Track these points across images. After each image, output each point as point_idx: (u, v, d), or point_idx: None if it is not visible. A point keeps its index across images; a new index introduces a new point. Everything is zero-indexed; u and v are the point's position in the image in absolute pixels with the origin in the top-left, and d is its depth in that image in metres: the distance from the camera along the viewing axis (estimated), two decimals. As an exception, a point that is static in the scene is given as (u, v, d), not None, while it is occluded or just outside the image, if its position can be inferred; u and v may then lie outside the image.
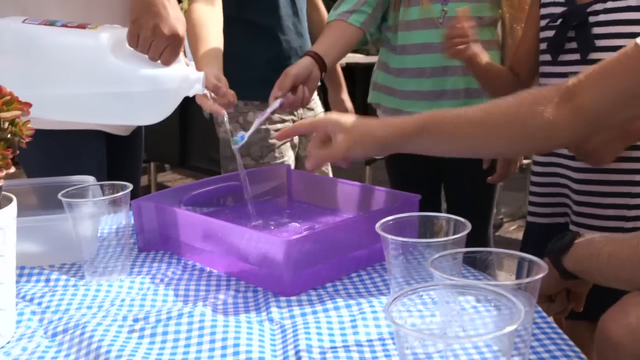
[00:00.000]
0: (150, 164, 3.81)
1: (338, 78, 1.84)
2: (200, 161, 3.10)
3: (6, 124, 0.69)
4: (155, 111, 1.02)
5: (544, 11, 1.26)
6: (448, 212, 1.67)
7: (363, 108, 3.12)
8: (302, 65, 1.38)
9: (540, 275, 0.58)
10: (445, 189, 1.68)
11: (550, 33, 1.22)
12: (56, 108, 1.03)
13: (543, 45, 1.25)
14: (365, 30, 1.52)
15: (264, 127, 1.61)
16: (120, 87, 0.98)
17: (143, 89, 0.98)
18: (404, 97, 1.57)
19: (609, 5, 1.13)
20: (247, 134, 1.21)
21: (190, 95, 1.04)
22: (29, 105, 0.73)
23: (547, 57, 1.24)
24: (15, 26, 1.01)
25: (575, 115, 0.83)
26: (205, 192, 1.19)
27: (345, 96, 1.84)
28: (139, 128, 1.49)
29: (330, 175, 1.81)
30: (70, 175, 1.18)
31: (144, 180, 1.68)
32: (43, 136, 1.13)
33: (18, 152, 0.71)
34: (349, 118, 0.91)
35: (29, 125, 0.72)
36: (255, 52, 1.63)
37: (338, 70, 1.82)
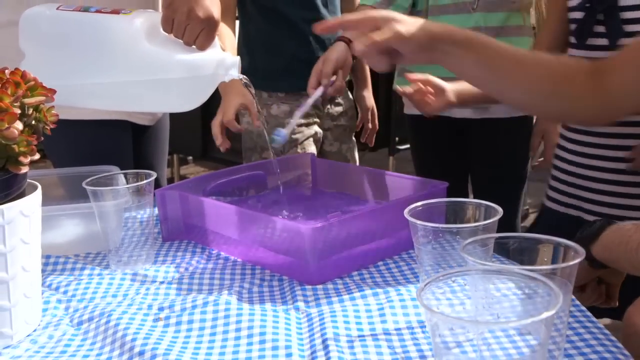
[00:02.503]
0: (174, 157, 3.83)
1: (364, 73, 1.79)
2: (223, 153, 3.10)
3: (30, 110, 0.68)
4: (191, 98, 1.01)
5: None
6: (475, 198, 1.66)
7: (387, 95, 3.10)
8: (338, 50, 1.37)
9: (577, 261, 0.55)
10: (473, 179, 1.65)
11: (579, 14, 1.18)
12: (90, 96, 1.02)
13: (572, 26, 1.21)
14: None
15: (287, 120, 1.59)
16: (155, 74, 0.96)
17: (179, 76, 0.97)
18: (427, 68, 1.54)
19: None
20: (287, 132, 1.19)
21: (227, 80, 1.02)
22: (53, 91, 0.73)
23: (573, 40, 1.20)
24: (50, 13, 1.00)
25: (600, 95, 0.81)
26: (228, 182, 1.18)
27: (368, 93, 1.80)
28: (164, 118, 1.49)
29: (357, 162, 1.79)
30: (96, 164, 1.19)
31: (167, 172, 1.68)
32: (70, 126, 1.14)
33: (42, 138, 0.71)
34: (403, 15, 0.87)
35: (53, 112, 0.71)
36: (282, 43, 1.60)
37: (365, 66, 1.77)
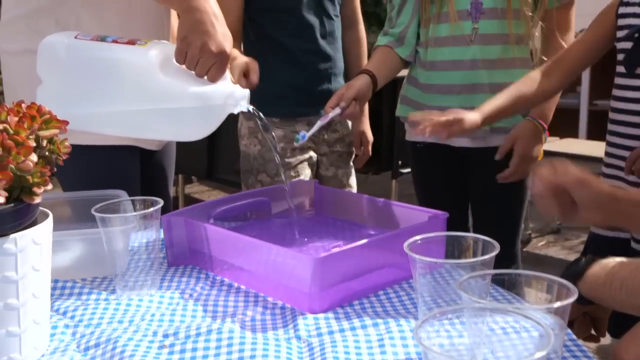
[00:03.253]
0: (178, 176, 3.86)
1: (364, 108, 1.81)
2: (227, 174, 3.13)
3: (45, 142, 0.71)
4: (200, 127, 1.04)
5: (622, 22, 1.25)
6: (474, 226, 1.68)
7: (390, 120, 3.13)
8: (362, 81, 1.46)
9: (571, 300, 0.57)
10: (472, 203, 1.67)
11: (627, 45, 1.21)
12: (104, 123, 1.05)
13: (620, 56, 1.24)
14: (410, 62, 1.59)
15: (281, 145, 1.63)
16: (167, 104, 0.99)
17: (190, 106, 1.00)
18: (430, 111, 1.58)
19: None
20: (307, 134, 1.33)
21: (235, 112, 1.05)
22: (66, 123, 0.75)
23: (622, 69, 1.23)
24: (68, 41, 1.04)
25: None
26: (233, 208, 1.20)
27: (367, 127, 1.83)
28: (170, 143, 1.52)
29: (355, 187, 1.81)
30: (105, 188, 1.21)
31: (172, 191, 1.71)
32: (79, 151, 1.16)
33: (55, 169, 0.73)
34: (597, 186, 0.84)
35: (66, 144, 0.74)
36: (277, 70, 1.65)
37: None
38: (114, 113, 1.02)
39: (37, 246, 0.72)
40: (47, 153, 0.71)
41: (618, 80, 1.26)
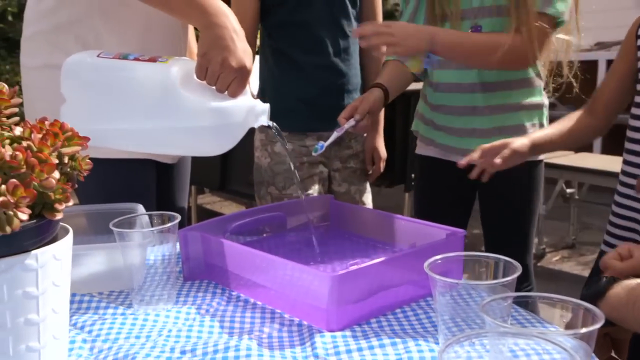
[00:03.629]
0: (191, 187, 3.88)
1: (378, 123, 1.82)
2: (240, 185, 3.14)
3: (67, 159, 0.71)
4: (221, 143, 1.04)
5: None
6: (485, 244, 1.67)
7: (404, 134, 3.13)
8: (376, 95, 1.49)
9: (597, 326, 0.56)
10: (482, 220, 1.66)
11: None
12: (125, 139, 1.05)
13: (638, 87, 1.24)
14: (418, 76, 1.61)
15: (289, 160, 1.64)
16: (189, 121, 1.00)
17: (211, 123, 1.00)
18: (436, 129, 1.60)
19: None
20: (325, 144, 1.39)
21: (256, 126, 1.06)
22: (88, 139, 0.76)
23: None
24: (91, 60, 1.05)
25: None
26: (249, 222, 1.20)
27: (380, 144, 1.83)
28: (186, 156, 1.52)
29: (370, 204, 1.80)
30: (122, 201, 1.22)
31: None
32: (97, 164, 1.17)
33: (77, 185, 0.74)
34: None
35: (87, 160, 0.74)
36: (289, 85, 1.65)
37: (380, 115, 1.81)
38: (136, 130, 1.03)
39: (58, 262, 0.72)
40: (68, 169, 0.72)
41: (636, 111, 1.25)
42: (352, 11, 1.68)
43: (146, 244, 0.96)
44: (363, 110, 1.45)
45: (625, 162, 1.31)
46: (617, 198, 1.32)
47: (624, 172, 1.31)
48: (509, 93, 1.50)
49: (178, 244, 1.05)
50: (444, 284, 0.71)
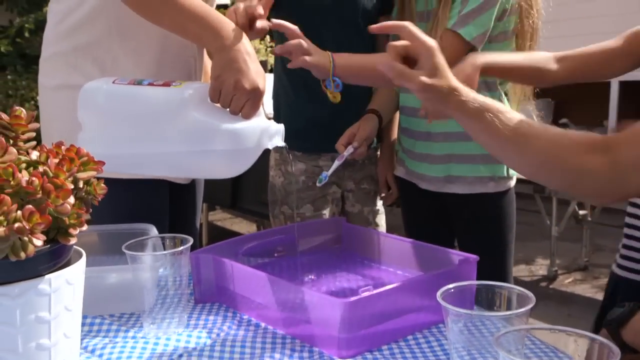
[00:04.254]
0: (203, 204, 3.89)
1: (392, 147, 1.79)
2: (251, 204, 3.15)
3: (82, 184, 0.72)
4: (235, 166, 1.05)
5: None
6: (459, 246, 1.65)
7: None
8: (373, 122, 1.51)
9: (614, 362, 0.56)
10: (458, 241, 1.66)
11: None
12: (142, 164, 1.06)
13: None
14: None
15: (302, 178, 1.65)
16: (203, 145, 1.00)
17: (225, 146, 1.01)
18: (403, 152, 1.63)
19: None
20: (328, 173, 1.41)
21: (270, 147, 1.06)
22: (103, 163, 0.76)
23: None
24: (107, 87, 1.06)
25: (609, 169, 0.81)
26: (260, 244, 1.20)
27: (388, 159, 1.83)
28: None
29: (383, 226, 1.79)
30: (135, 221, 1.22)
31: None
32: (110, 184, 1.18)
33: (91, 210, 0.74)
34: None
35: (102, 185, 0.75)
36: (301, 106, 1.66)
37: (393, 139, 1.81)
38: (152, 154, 1.03)
39: (71, 286, 0.72)
40: (83, 194, 0.72)
41: None
42: (367, 34, 1.68)
43: (158, 267, 0.96)
44: (360, 138, 1.47)
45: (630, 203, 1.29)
46: (627, 219, 1.30)
47: (629, 216, 1.29)
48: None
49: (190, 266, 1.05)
50: (457, 313, 0.71)
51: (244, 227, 4.41)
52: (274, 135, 1.06)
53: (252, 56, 1.06)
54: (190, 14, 1.08)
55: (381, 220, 1.79)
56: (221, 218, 4.66)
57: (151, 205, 1.33)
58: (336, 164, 1.42)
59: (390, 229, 1.78)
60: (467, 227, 1.58)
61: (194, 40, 1.19)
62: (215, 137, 1.00)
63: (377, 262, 1.21)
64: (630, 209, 1.30)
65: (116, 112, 1.04)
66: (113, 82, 1.05)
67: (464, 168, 1.50)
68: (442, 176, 1.53)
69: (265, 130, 1.05)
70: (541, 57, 1.31)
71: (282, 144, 1.07)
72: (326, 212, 1.69)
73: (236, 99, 1.03)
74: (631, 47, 1.27)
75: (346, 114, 1.67)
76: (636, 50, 1.26)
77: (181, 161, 1.03)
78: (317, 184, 1.43)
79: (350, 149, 1.45)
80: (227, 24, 1.08)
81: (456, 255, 1.05)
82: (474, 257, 1.02)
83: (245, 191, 3.17)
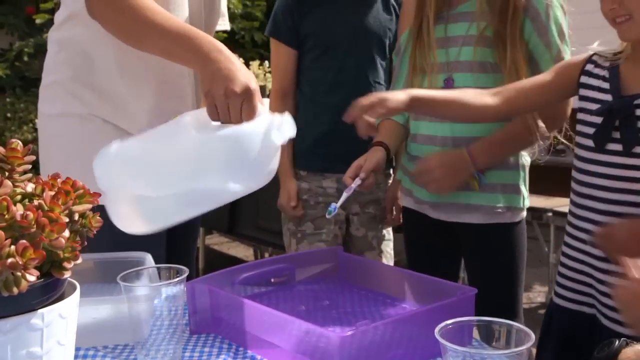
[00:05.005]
0: (199, 228, 3.87)
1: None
2: (248, 229, 3.14)
3: (77, 216, 0.71)
4: (258, 173, 1.01)
5: (583, 92, 1.24)
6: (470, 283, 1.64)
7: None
8: (381, 156, 1.52)
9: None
10: (467, 272, 1.64)
11: (597, 119, 1.20)
12: (173, 209, 1.01)
13: (588, 129, 1.21)
14: (408, 126, 1.61)
15: (304, 197, 1.69)
16: (216, 162, 0.98)
17: (236, 155, 0.98)
18: (412, 181, 1.59)
19: None
20: (337, 205, 1.43)
21: (283, 141, 1.01)
22: (98, 195, 0.76)
23: (589, 143, 1.21)
24: (115, 150, 1.03)
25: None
26: (257, 274, 1.19)
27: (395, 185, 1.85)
28: None
29: (387, 252, 1.78)
30: (131, 249, 1.21)
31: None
32: (106, 212, 1.18)
33: (86, 243, 0.73)
34: None
35: (98, 218, 0.74)
36: (309, 125, 1.68)
37: None
38: (179, 194, 0.99)
39: (64, 320, 0.71)
40: (79, 227, 0.72)
41: (583, 153, 1.23)
42: (380, 62, 1.70)
43: (153, 298, 0.95)
44: (367, 169, 1.47)
45: (571, 214, 1.27)
46: (563, 248, 1.28)
47: (570, 224, 1.27)
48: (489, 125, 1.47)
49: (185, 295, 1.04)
50: (455, 350, 0.70)
51: (241, 251, 4.39)
52: (281, 124, 1.01)
53: (234, 62, 1.05)
54: (171, 36, 1.08)
55: (387, 246, 1.78)
56: (218, 242, 4.63)
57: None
58: (344, 196, 1.44)
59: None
60: (479, 257, 1.55)
61: (178, 62, 1.19)
62: (223, 149, 0.98)
63: (374, 292, 1.20)
64: (566, 239, 1.28)
65: (133, 167, 1.01)
66: (119, 142, 1.02)
67: (483, 197, 1.48)
68: (459, 204, 1.50)
69: (271, 126, 1.00)
70: (472, 92, 1.34)
71: (292, 133, 1.03)
72: (327, 232, 1.69)
73: (232, 106, 1.01)
74: (561, 81, 1.29)
75: (352, 136, 1.68)
76: (565, 84, 1.29)
77: (210, 187, 0.99)
78: (327, 216, 1.44)
79: (357, 181, 1.46)
80: (205, 39, 1.08)
81: (454, 287, 1.05)
82: (472, 290, 1.01)
83: (242, 216, 3.16)
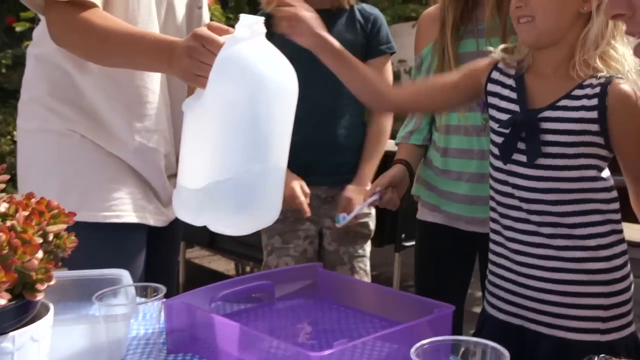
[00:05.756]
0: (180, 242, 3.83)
1: (363, 178, 1.79)
2: (229, 243, 3.12)
3: (51, 237, 0.70)
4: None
5: (492, 100, 1.25)
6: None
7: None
8: (397, 170, 1.56)
9: None
10: (482, 277, 1.65)
11: (496, 126, 1.23)
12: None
13: (497, 139, 1.23)
14: (427, 144, 1.64)
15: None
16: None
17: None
18: (441, 196, 1.60)
19: (559, 114, 1.14)
20: (348, 217, 1.51)
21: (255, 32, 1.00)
22: (74, 214, 0.75)
23: (497, 152, 1.23)
24: None
25: None
26: (235, 292, 1.19)
27: (354, 194, 1.81)
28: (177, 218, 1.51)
29: (360, 269, 1.78)
30: (109, 266, 1.19)
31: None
32: (84, 228, 1.17)
33: (60, 264, 0.73)
34: None
35: (73, 238, 0.73)
36: (297, 136, 1.68)
37: (365, 176, 1.81)
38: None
39: (36, 343, 0.70)
40: (53, 248, 0.71)
41: (493, 161, 1.25)
42: None
43: (130, 317, 0.94)
44: (382, 184, 1.51)
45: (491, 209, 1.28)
46: (490, 256, 1.29)
47: (491, 219, 1.28)
48: None
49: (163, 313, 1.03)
50: (431, 371, 0.70)
51: (222, 265, 4.35)
52: (251, 25, 0.99)
53: (189, 44, 1.05)
54: (129, 46, 1.13)
55: (360, 262, 1.77)
56: (199, 255, 4.59)
57: (126, 250, 1.31)
58: (357, 208, 1.50)
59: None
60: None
61: (144, 69, 1.23)
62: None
63: (352, 310, 1.19)
64: (491, 246, 1.29)
65: None
66: None
67: None
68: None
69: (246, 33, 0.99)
70: (383, 78, 1.39)
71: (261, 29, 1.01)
72: (292, 246, 1.69)
73: (200, 57, 1.02)
74: (467, 83, 1.30)
75: (320, 148, 1.68)
76: (470, 87, 1.30)
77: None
78: (336, 225, 1.52)
79: (375, 197, 1.50)
80: (162, 40, 1.12)
81: (432, 304, 1.05)
82: (449, 307, 1.02)
83: (223, 230, 3.14)
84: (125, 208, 1.31)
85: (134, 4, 1.24)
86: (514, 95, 1.22)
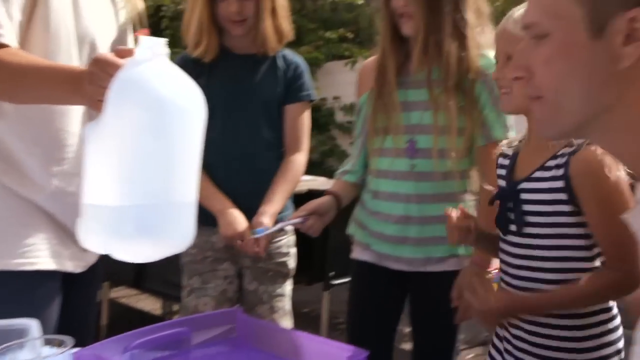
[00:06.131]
0: (105, 283, 3.71)
1: (271, 202, 1.83)
2: (156, 283, 3.05)
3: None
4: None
5: (498, 182, 1.35)
6: (413, 337, 1.69)
7: (322, 233, 3.17)
8: (324, 200, 1.64)
9: None
10: (412, 315, 1.71)
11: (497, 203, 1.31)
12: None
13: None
14: (361, 183, 1.72)
15: (194, 251, 1.71)
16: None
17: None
18: (371, 235, 1.67)
19: (534, 185, 1.22)
20: (266, 232, 1.54)
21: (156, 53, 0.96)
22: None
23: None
24: None
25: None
26: (151, 340, 1.17)
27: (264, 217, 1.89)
28: (98, 264, 1.47)
29: (279, 309, 1.78)
30: (18, 316, 1.15)
31: (97, 295, 1.65)
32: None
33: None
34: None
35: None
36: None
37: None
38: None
39: None
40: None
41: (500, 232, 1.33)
42: (266, 119, 1.73)
43: (35, 371, 0.91)
44: (306, 209, 1.57)
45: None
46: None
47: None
48: (444, 205, 1.53)
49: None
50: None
51: (150, 303, 4.22)
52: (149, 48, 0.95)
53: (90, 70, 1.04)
54: (34, 78, 1.13)
55: (280, 301, 1.77)
56: (126, 295, 4.44)
57: (37, 298, 1.27)
58: (278, 225, 1.56)
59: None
60: (430, 300, 1.65)
61: (55, 102, 1.22)
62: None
63: (270, 355, 1.20)
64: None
65: None
66: None
67: (441, 249, 1.59)
68: (422, 257, 1.60)
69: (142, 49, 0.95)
70: None
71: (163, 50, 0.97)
72: (212, 285, 1.69)
73: (100, 81, 0.97)
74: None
75: (243, 191, 1.69)
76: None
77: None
78: (252, 236, 1.55)
79: (297, 219, 1.56)
80: (70, 70, 1.13)
81: (346, 350, 1.07)
82: (362, 353, 1.04)
83: (150, 269, 3.07)
84: (41, 254, 1.27)
85: (53, 46, 1.23)
86: (503, 172, 1.32)
